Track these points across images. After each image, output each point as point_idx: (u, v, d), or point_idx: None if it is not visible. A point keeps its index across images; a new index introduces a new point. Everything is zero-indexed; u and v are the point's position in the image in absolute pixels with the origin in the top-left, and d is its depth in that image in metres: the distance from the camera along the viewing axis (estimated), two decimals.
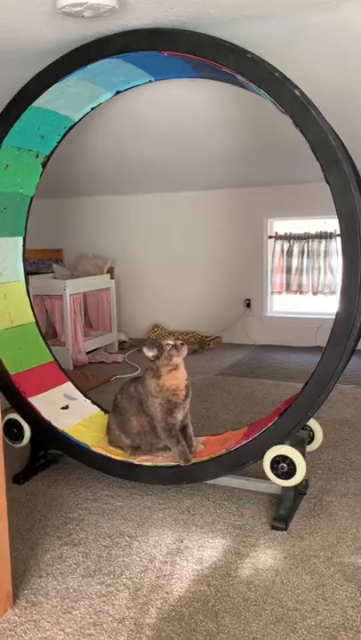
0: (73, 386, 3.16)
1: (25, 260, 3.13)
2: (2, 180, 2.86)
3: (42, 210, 3.51)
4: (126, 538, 2.38)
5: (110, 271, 6.23)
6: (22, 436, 2.92)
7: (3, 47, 2.58)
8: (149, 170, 5.43)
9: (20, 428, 2.91)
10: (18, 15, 2.23)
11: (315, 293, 5.96)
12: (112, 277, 6.18)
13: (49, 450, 3.01)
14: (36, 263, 6.28)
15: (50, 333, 5.49)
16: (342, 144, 2.30)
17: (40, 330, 3.16)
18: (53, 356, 3.17)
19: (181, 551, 2.28)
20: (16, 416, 2.91)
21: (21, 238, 3.09)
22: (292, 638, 1.78)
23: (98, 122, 4.17)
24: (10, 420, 2.91)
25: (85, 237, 6.58)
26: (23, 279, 3.09)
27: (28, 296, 3.12)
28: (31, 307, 3.11)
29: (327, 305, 5.72)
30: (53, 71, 2.57)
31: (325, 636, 1.79)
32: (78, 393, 3.15)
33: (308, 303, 6.04)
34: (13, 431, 2.92)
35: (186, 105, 3.89)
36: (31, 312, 3.11)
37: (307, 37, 2.60)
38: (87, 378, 4.72)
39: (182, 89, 3.61)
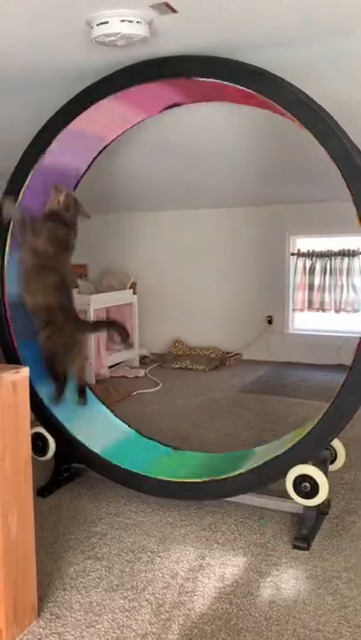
0: None
1: None
2: None
3: None
4: (148, 553, 2.40)
5: (133, 286, 6.30)
6: (47, 450, 2.97)
7: (40, 70, 2.67)
8: (174, 187, 5.51)
9: (46, 441, 2.96)
10: (54, 42, 2.32)
11: (337, 311, 5.95)
12: (135, 293, 6.24)
13: (72, 464, 3.06)
14: None
15: None
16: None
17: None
18: None
19: (203, 568, 2.29)
20: (41, 429, 2.96)
21: None
22: None
23: (127, 143, 4.26)
24: (35, 433, 2.96)
25: (110, 253, 6.67)
26: None
27: None
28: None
29: (350, 323, 5.71)
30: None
31: None
32: None
33: (331, 321, 6.02)
34: (38, 444, 2.97)
35: (211, 125, 3.96)
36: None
37: (327, 61, 2.65)
38: (109, 392, 4.77)
39: (209, 110, 3.68)
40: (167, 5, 1.96)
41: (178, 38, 2.31)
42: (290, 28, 2.29)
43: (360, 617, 1.98)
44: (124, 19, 2.02)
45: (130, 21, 2.03)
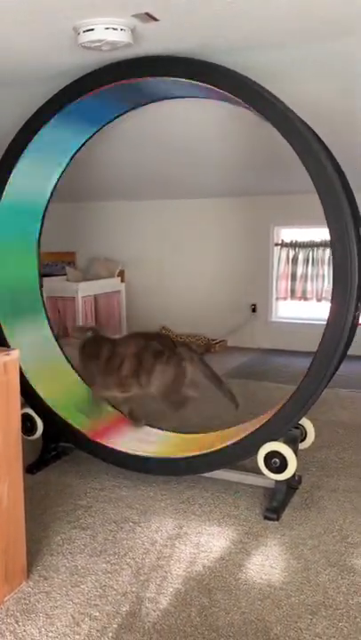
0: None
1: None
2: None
3: (57, 213, 3.73)
4: (130, 523, 2.59)
5: (121, 274, 6.46)
6: (35, 430, 3.14)
7: (30, 69, 2.82)
8: (161, 177, 5.65)
9: (34, 421, 3.13)
10: (43, 45, 2.47)
11: (319, 300, 6.16)
12: (122, 280, 6.40)
13: (60, 443, 3.24)
14: (50, 265, 6.51)
15: (61, 333, 5.72)
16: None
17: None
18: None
19: (180, 536, 2.49)
20: (29, 410, 3.13)
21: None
22: (276, 613, 1.99)
23: (115, 133, 4.39)
24: (24, 414, 3.12)
25: (98, 241, 6.81)
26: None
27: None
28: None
29: None
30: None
31: (307, 612, 1.99)
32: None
33: (312, 309, 6.22)
34: (27, 425, 3.13)
35: (196, 119, 4.10)
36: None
37: (304, 64, 2.81)
38: None
39: (194, 104, 3.82)
40: (148, 15, 2.11)
41: (159, 43, 2.46)
42: (265, 34, 2.44)
43: (320, 577, 2.19)
44: (108, 26, 2.16)
45: (114, 29, 2.18)
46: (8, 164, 2.99)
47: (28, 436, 3.15)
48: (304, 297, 6.22)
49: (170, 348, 2.95)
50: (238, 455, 2.70)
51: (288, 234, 6.25)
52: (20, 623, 1.95)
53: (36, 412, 3.12)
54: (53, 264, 6.72)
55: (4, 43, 2.44)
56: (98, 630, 1.91)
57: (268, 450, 2.59)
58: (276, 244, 6.25)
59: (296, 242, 6.18)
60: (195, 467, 2.80)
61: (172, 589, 2.13)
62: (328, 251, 5.99)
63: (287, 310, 6.41)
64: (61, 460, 3.27)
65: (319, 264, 6.10)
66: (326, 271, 6.05)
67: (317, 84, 3.07)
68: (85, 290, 5.67)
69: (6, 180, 2.99)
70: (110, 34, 2.18)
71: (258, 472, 2.71)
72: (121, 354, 2.99)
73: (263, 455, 2.60)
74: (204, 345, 6.21)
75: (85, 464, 3.19)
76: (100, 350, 3.06)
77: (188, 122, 4.24)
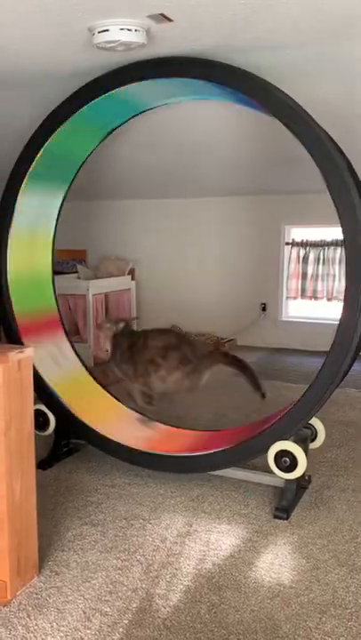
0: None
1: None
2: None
3: (68, 211, 3.77)
4: (140, 520, 2.61)
5: (131, 273, 6.48)
6: (47, 426, 3.17)
7: (45, 69, 2.85)
8: (172, 176, 5.66)
9: (46, 417, 3.16)
10: (58, 45, 2.48)
11: (329, 299, 6.14)
12: (133, 279, 6.42)
13: (71, 439, 3.27)
14: (61, 263, 6.54)
15: (72, 331, 5.75)
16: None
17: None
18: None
19: (190, 534, 2.50)
20: (42, 407, 3.15)
21: None
22: (285, 611, 2.00)
23: (126, 132, 4.41)
24: (36, 410, 3.15)
25: (109, 239, 6.83)
26: None
27: None
28: None
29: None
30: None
31: (316, 610, 2.00)
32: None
33: (323, 309, 6.21)
34: (40, 420, 3.16)
35: (208, 119, 4.11)
36: None
37: (315, 65, 2.81)
38: (107, 374, 4.95)
39: (204, 103, 3.83)
40: (163, 15, 2.12)
41: (174, 43, 2.47)
42: (279, 34, 2.45)
43: (329, 576, 2.19)
44: (123, 27, 2.17)
45: (128, 29, 2.19)
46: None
47: (41, 432, 3.18)
48: (315, 296, 6.20)
49: (198, 360, 3.05)
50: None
51: (299, 233, 6.24)
52: (32, 617, 1.98)
53: (49, 408, 3.15)
54: (64, 262, 6.75)
55: (19, 42, 2.45)
56: (109, 626, 1.93)
57: (279, 449, 2.60)
58: (287, 243, 6.24)
59: (307, 241, 6.16)
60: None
61: (181, 586, 2.14)
62: (339, 250, 5.98)
63: (297, 309, 6.40)
64: (73, 456, 3.30)
65: (330, 263, 6.08)
66: (337, 270, 6.03)
67: (332, 84, 3.07)
68: (96, 288, 5.70)
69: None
70: (125, 34, 2.19)
71: (268, 471, 2.72)
72: (151, 346, 3.02)
73: (273, 454, 2.61)
74: (213, 344, 6.22)
75: (96, 461, 3.21)
76: (134, 342, 3.09)
77: (198, 121, 4.24)
